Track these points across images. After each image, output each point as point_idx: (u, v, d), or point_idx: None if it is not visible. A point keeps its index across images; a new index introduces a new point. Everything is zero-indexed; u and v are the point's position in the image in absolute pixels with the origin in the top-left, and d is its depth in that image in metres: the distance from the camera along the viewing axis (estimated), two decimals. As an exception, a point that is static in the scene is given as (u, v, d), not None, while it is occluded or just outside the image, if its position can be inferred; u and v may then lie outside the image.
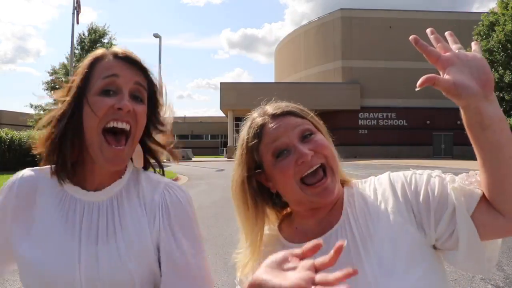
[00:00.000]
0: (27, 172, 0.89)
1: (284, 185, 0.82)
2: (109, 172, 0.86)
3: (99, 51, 0.86)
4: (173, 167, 22.36)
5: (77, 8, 19.58)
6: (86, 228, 0.82)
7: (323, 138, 0.85)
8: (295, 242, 0.85)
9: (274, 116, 0.85)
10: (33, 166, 0.91)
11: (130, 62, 0.84)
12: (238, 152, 0.89)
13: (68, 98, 0.82)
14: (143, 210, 0.86)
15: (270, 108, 0.88)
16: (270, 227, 0.94)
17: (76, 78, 0.83)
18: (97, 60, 0.84)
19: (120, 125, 0.81)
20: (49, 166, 0.87)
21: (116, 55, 0.84)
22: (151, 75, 0.87)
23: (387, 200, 0.81)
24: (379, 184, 0.86)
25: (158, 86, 0.89)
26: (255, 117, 0.88)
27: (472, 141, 0.75)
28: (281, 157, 0.81)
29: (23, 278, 0.82)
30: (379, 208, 0.81)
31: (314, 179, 0.81)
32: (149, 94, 0.87)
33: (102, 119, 0.80)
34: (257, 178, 0.87)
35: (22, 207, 0.83)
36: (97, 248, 0.80)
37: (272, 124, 0.84)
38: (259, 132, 0.84)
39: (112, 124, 0.80)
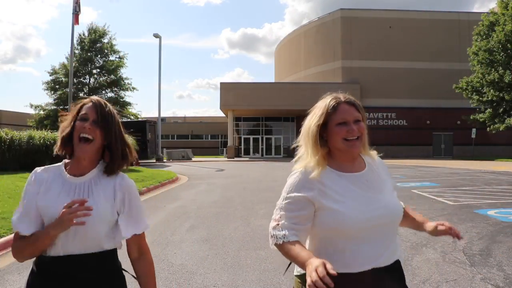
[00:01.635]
0: (39, 169, 1.54)
1: (335, 138, 1.44)
2: (86, 165, 1.52)
3: (84, 100, 1.56)
4: (173, 167, 22.35)
5: (76, 8, 19.58)
6: (78, 194, 1.48)
7: (363, 125, 1.47)
8: (337, 170, 1.47)
9: (346, 102, 1.47)
10: (32, 167, 1.24)
11: (94, 103, 1.53)
12: (318, 111, 1.47)
13: (70, 123, 1.54)
14: (113, 188, 1.52)
15: (342, 97, 1.49)
16: (323, 167, 1.46)
17: (72, 113, 1.56)
18: (83, 105, 1.55)
19: (85, 136, 1.48)
20: (55, 164, 1.56)
21: (90, 103, 1.54)
22: (106, 110, 1.54)
23: (387, 176, 1.57)
24: (383, 165, 1.61)
25: (110, 117, 1.55)
26: (332, 98, 1.48)
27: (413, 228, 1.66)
28: (340, 125, 1.43)
29: (45, 219, 1.43)
30: (385, 176, 1.56)
31: (351, 139, 1.43)
32: (106, 122, 1.53)
33: (76, 132, 1.49)
34: (320, 129, 1.45)
35: (40, 187, 1.48)
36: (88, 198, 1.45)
37: (344, 106, 1.45)
38: (336, 107, 1.45)
39: (82, 135, 1.48)
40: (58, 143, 1.54)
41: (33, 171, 1.52)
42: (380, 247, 1.39)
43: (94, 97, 1.58)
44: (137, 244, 1.56)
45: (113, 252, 1.52)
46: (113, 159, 1.53)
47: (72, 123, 1.52)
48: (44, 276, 1.42)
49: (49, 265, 1.42)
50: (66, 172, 1.52)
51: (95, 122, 1.49)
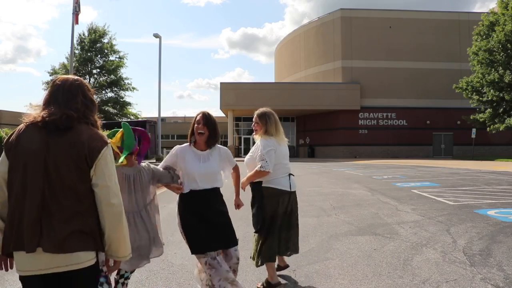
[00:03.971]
0: (179, 146, 3.21)
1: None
2: (202, 146, 3.16)
3: (198, 113, 3.19)
4: (173, 167, 22.24)
5: (76, 8, 19.58)
6: (203, 160, 3.14)
7: (257, 124, 3.67)
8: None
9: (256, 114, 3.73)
10: None
11: (204, 114, 3.15)
12: None
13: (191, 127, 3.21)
14: (218, 153, 3.23)
15: (257, 111, 3.74)
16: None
17: (193, 120, 3.19)
18: (197, 116, 3.17)
19: (200, 131, 3.10)
20: (185, 145, 3.23)
21: (201, 114, 3.16)
22: (209, 118, 3.16)
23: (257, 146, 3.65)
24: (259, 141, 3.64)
25: (211, 120, 3.16)
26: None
27: None
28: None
29: (184, 174, 3.15)
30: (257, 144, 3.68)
31: (255, 130, 3.73)
32: (209, 124, 3.16)
33: (196, 129, 3.14)
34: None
35: (180, 156, 3.17)
36: (207, 162, 3.15)
37: (255, 116, 3.71)
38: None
39: (199, 131, 3.11)
40: (189, 135, 3.16)
41: (176, 147, 3.22)
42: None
43: (204, 110, 3.17)
44: (235, 170, 3.46)
45: (219, 189, 3.19)
46: (213, 141, 3.15)
47: (193, 126, 3.12)
48: (188, 197, 3.09)
49: (190, 194, 3.08)
50: (194, 148, 3.16)
51: (204, 124, 3.07)
